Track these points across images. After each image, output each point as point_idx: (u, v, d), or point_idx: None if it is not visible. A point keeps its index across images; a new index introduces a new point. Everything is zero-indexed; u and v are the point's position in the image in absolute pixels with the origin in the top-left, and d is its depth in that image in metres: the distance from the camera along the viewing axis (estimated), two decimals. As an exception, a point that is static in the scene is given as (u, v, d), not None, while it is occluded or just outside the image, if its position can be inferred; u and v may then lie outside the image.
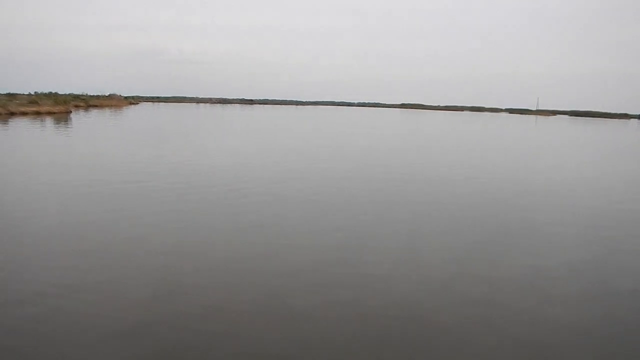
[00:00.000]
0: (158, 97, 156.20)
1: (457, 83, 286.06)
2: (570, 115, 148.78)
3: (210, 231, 10.02)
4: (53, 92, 72.97)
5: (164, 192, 13.56)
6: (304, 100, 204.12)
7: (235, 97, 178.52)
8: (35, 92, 72.02)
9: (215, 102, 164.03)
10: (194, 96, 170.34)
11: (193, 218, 10.97)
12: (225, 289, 7.06)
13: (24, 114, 50.72)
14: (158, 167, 18.36)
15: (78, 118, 50.35)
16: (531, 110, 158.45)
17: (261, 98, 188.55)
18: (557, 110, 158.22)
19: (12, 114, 48.97)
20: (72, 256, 8.35)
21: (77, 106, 70.24)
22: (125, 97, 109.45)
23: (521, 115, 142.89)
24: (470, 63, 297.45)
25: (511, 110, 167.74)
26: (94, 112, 64.13)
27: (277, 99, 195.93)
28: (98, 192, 13.51)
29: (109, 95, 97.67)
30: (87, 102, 78.86)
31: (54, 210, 11.43)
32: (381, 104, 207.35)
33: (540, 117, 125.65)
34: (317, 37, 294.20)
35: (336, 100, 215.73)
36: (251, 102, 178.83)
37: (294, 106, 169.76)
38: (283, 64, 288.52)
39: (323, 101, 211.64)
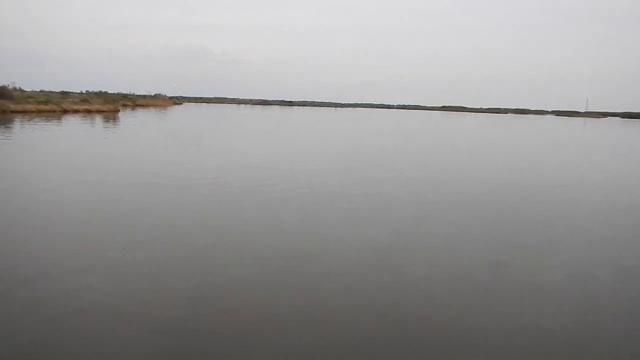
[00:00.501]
0: (200, 98, 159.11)
1: (500, 83, 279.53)
2: (623, 117, 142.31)
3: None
4: (103, 91, 75.06)
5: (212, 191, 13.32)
6: (343, 102, 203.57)
7: (274, 99, 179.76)
8: (86, 91, 74.36)
9: (255, 103, 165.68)
10: (235, 97, 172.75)
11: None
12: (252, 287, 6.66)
13: (76, 111, 52.19)
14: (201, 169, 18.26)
15: (126, 117, 51.46)
16: (580, 112, 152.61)
17: (300, 100, 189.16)
18: (608, 112, 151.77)
19: (66, 112, 50.49)
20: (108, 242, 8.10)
21: (124, 105, 71.83)
22: (170, 98, 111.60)
23: (569, 117, 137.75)
24: (514, 63, 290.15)
25: (558, 113, 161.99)
26: (141, 112, 65.57)
27: (316, 100, 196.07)
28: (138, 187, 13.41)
29: (155, 95, 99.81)
30: (134, 102, 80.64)
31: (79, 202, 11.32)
32: (422, 106, 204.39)
33: (589, 120, 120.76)
34: (356, 38, 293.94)
35: (375, 103, 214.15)
36: (290, 103, 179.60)
37: (332, 108, 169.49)
38: (322, 64, 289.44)
39: (362, 103, 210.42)
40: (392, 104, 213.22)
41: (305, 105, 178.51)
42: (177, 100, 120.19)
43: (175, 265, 7.22)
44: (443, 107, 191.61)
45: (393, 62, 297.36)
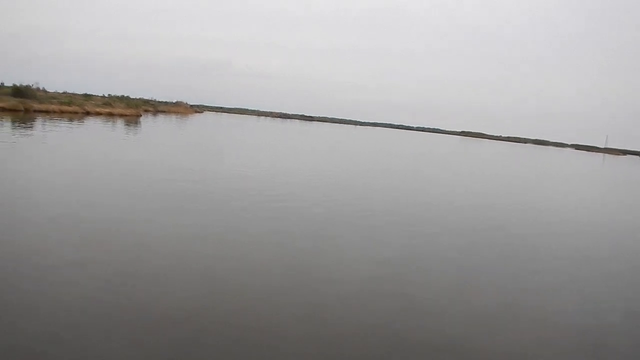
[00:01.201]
0: (221, 108, 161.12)
1: (520, 113, 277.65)
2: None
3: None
4: (125, 95, 77.03)
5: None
6: (363, 121, 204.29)
7: (295, 113, 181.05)
8: (109, 95, 76.43)
9: (275, 116, 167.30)
10: (256, 109, 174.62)
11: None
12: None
13: (98, 114, 53.84)
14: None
15: (148, 122, 52.70)
16: (599, 148, 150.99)
17: (320, 115, 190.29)
18: (628, 150, 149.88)
19: (88, 113, 52.12)
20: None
21: (146, 110, 73.51)
22: (191, 106, 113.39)
23: (588, 152, 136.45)
24: (535, 94, 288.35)
25: (577, 147, 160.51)
26: (162, 118, 66.98)
27: (335, 117, 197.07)
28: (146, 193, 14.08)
29: (176, 102, 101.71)
30: (156, 108, 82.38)
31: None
32: (440, 129, 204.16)
33: (609, 156, 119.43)
34: (376, 58, 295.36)
35: (394, 123, 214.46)
36: (311, 118, 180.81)
37: (352, 125, 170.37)
38: (342, 82, 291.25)
39: (381, 122, 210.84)
40: (411, 125, 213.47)
41: (325, 121, 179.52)
42: (198, 109, 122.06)
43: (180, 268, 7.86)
44: (462, 132, 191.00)
45: (414, 84, 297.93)
